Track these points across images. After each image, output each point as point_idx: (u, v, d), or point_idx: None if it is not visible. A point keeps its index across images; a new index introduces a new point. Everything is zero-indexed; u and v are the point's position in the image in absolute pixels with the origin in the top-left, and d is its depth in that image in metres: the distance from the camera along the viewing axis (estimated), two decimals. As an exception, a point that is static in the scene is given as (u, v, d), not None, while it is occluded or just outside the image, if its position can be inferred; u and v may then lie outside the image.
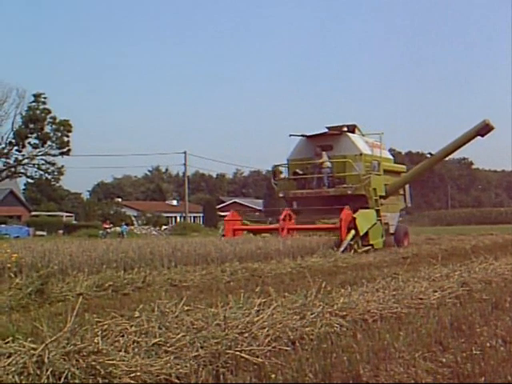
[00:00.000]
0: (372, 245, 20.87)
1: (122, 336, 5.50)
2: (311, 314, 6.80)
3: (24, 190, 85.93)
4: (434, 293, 8.92)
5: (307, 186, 23.80)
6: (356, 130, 24.60)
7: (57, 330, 5.56)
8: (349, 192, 22.43)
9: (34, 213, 74.39)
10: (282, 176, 24.97)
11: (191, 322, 6.04)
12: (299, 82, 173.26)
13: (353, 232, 19.98)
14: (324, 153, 23.26)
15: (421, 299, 8.45)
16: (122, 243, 15.92)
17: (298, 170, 23.94)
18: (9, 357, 4.69)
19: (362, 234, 20.28)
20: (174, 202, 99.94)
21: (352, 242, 19.74)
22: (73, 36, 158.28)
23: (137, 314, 6.32)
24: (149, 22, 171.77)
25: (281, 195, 24.27)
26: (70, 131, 65.79)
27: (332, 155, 23.35)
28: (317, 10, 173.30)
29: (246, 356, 5.37)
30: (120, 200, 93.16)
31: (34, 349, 4.70)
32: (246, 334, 5.77)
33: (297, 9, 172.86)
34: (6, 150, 63.61)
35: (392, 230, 24.51)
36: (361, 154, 22.79)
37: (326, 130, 24.03)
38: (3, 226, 52.93)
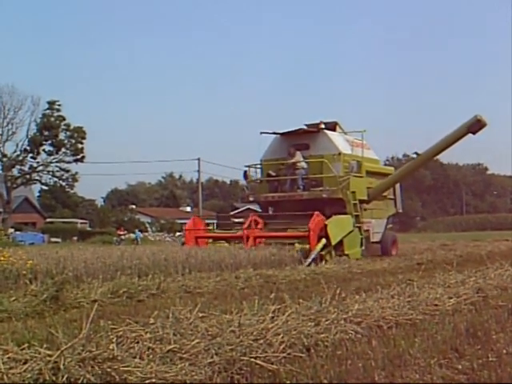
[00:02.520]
0: (347, 255, 18.61)
1: (137, 343, 5.50)
2: (326, 321, 6.77)
3: (39, 196, 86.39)
4: (449, 299, 8.86)
5: (280, 188, 21.92)
6: (337, 128, 22.92)
7: (72, 336, 5.57)
8: (324, 195, 20.57)
9: (48, 220, 74.76)
10: (254, 178, 23.10)
11: (206, 329, 6.03)
12: (303, 83, 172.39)
13: (323, 241, 17.95)
14: (298, 152, 21.40)
15: (436, 305, 8.40)
16: (137, 250, 15.95)
17: (270, 172, 22.06)
18: (25, 363, 4.70)
19: (334, 243, 18.24)
20: (188, 209, 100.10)
21: (323, 253, 17.74)
22: (86, 43, 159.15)
23: (151, 320, 6.33)
24: (166, 30, 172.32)
25: (251, 199, 22.87)
26: (84, 138, 66.18)
27: (308, 155, 21.50)
28: (305, 12, 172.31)
29: (261, 363, 5.35)
30: (134, 207, 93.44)
31: (50, 355, 4.71)
32: (261, 341, 5.75)
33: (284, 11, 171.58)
34: (20, 158, 64.02)
35: (377, 238, 22.86)
36: (339, 154, 20.97)
37: (300, 127, 22.15)
38: (18, 232, 53.17)
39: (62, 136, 65.66)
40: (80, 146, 66.02)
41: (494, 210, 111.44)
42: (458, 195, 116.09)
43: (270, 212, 22.17)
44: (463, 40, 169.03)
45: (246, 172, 22.86)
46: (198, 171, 71.61)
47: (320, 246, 17.70)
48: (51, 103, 65.75)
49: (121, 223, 67.67)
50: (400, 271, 14.66)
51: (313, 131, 21.84)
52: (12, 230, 52.21)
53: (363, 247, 20.48)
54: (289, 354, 5.71)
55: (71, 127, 65.99)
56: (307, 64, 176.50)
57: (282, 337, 5.96)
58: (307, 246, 17.88)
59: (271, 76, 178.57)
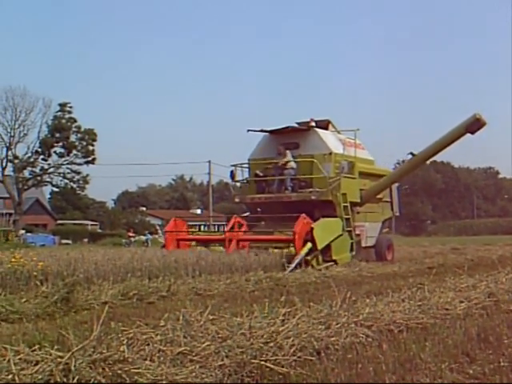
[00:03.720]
0: (335, 261, 17.74)
1: (148, 345, 5.51)
2: (336, 324, 6.75)
3: (50, 198, 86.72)
4: (460, 303, 8.83)
5: (267, 189, 20.71)
6: (330, 126, 21.72)
7: (83, 338, 5.58)
8: (313, 197, 19.42)
9: (59, 221, 75.04)
10: (241, 178, 21.80)
11: (216, 331, 6.03)
12: (303, 83, 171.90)
13: (309, 245, 16.91)
14: (288, 152, 20.25)
15: (447, 310, 8.37)
16: (147, 252, 15.97)
17: (258, 172, 20.88)
18: (36, 364, 4.71)
19: (320, 247, 17.22)
20: (198, 211, 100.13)
21: (309, 258, 16.71)
22: (99, 45, 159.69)
23: (162, 322, 6.34)
24: (175, 31, 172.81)
25: (237, 200, 21.53)
26: (94, 140, 66.40)
27: (298, 154, 20.35)
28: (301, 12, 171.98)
29: (271, 366, 5.35)
30: (144, 209, 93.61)
31: (61, 357, 4.72)
32: (271, 344, 5.74)
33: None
34: (32, 159, 64.27)
35: (370, 243, 21.70)
36: (330, 154, 19.79)
37: (288, 125, 20.82)
38: (29, 234, 53.32)
39: (73, 138, 65.91)
40: (91, 148, 66.25)
41: (506, 214, 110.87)
42: (469, 199, 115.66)
43: (260, 214, 21.07)
44: (463, 40, 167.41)
45: (232, 172, 21.67)
46: (209, 174, 71.66)
47: (305, 250, 16.68)
48: (62, 105, 66.00)
49: (131, 225, 67.77)
50: (411, 275, 14.61)
51: (303, 129, 20.82)
52: (23, 232, 52.37)
53: (354, 252, 19.39)
54: (299, 357, 5.71)
55: (82, 129, 66.23)
56: (307, 64, 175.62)
57: (293, 340, 5.96)
58: (285, 251, 17.11)
59: (272, 76, 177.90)
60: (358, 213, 21.01)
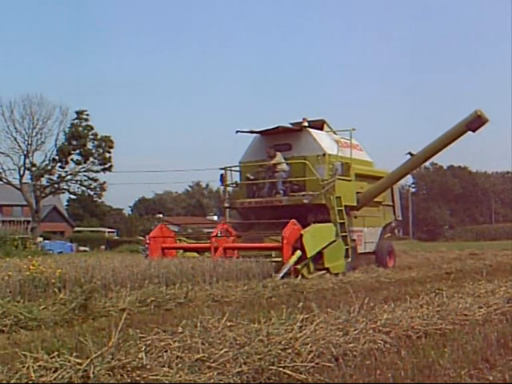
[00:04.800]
0: (328, 269, 16.72)
1: (166, 351, 5.52)
2: (354, 330, 6.73)
3: (67, 206, 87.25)
4: (479, 309, 8.77)
5: (257, 193, 19.58)
6: (325, 127, 20.62)
7: (101, 345, 5.60)
8: (305, 201, 18.30)
9: (76, 228, 75.41)
10: (230, 182, 20.67)
11: (234, 338, 6.03)
12: (303, 82, 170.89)
13: (298, 253, 15.91)
14: (279, 153, 19.19)
15: (466, 315, 8.31)
16: (164, 258, 15.98)
17: (248, 175, 19.70)
18: (55, 371, 4.74)
19: (309, 255, 16.21)
20: (215, 218, 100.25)
21: (299, 266, 15.74)
22: (112, 52, 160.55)
23: (180, 329, 6.35)
24: (185, 36, 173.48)
25: (226, 205, 20.57)
26: (111, 147, 66.58)
27: (290, 156, 19.28)
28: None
29: (289, 372, 5.34)
30: (161, 215, 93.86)
31: (80, 364, 4.75)
32: (289, 350, 5.73)
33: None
34: (49, 167, 64.61)
35: (370, 249, 20.71)
36: (324, 155, 18.72)
37: (278, 125, 19.58)
38: (47, 241, 53.57)
39: (89, 145, 66.13)
40: (108, 155, 66.45)
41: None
42: (486, 204, 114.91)
43: (253, 220, 19.84)
44: (462, 39, 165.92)
45: (222, 175, 20.49)
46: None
47: (294, 259, 15.69)
48: (79, 113, 66.29)
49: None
50: (428, 280, 14.52)
51: (295, 130, 19.70)
52: (41, 239, 52.66)
53: (349, 259, 18.17)
54: (317, 363, 5.69)
55: (99, 136, 66.50)
56: (306, 63, 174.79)
57: (311, 346, 5.95)
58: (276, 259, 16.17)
59: (272, 76, 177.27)
60: (356, 217, 20.09)
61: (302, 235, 16.30)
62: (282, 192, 18.92)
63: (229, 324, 6.75)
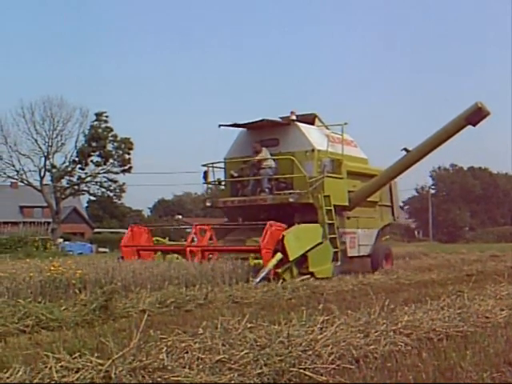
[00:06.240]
0: (312, 273, 15.35)
1: (187, 353, 5.53)
2: (375, 332, 6.71)
3: (87, 207, 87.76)
4: (501, 311, 8.71)
5: (241, 191, 18.34)
6: (317, 121, 19.29)
7: (121, 345, 5.63)
8: (291, 200, 16.94)
9: (96, 230, 75.79)
10: (212, 180, 19.30)
11: (254, 339, 6.04)
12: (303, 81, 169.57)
13: (279, 256, 14.72)
14: (264, 149, 17.94)
15: (487, 318, 8.26)
16: (183, 260, 16.00)
17: (232, 172, 18.48)
18: (77, 372, 4.77)
19: (292, 258, 14.93)
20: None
21: (280, 270, 14.65)
22: (129, 54, 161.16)
23: (200, 330, 6.36)
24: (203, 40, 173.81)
25: (208, 204, 19.31)
26: (131, 149, 66.99)
27: (278, 152, 17.98)
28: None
29: (310, 374, 5.33)
30: (181, 217, 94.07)
31: (101, 364, 4.77)
32: (310, 352, 5.73)
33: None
34: (69, 169, 65.13)
35: (364, 252, 19.35)
36: (313, 150, 17.47)
37: (262, 118, 18.18)
38: (67, 242, 53.97)
39: (109, 147, 66.61)
40: (127, 156, 66.89)
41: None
42: (508, 205, 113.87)
43: (240, 220, 18.43)
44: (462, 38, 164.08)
45: (205, 172, 19.06)
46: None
47: (273, 262, 14.52)
48: (99, 115, 66.74)
49: (167, 233, 68.10)
50: (449, 282, 14.41)
51: (283, 124, 18.38)
52: (61, 240, 53.05)
53: (339, 263, 16.91)
54: (338, 365, 5.69)
55: (118, 138, 66.89)
56: (307, 63, 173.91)
57: (331, 348, 5.94)
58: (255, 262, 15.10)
59: (272, 76, 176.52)
60: (349, 218, 18.80)
61: (283, 236, 15.07)
62: (267, 190, 17.68)
63: (249, 325, 6.75)
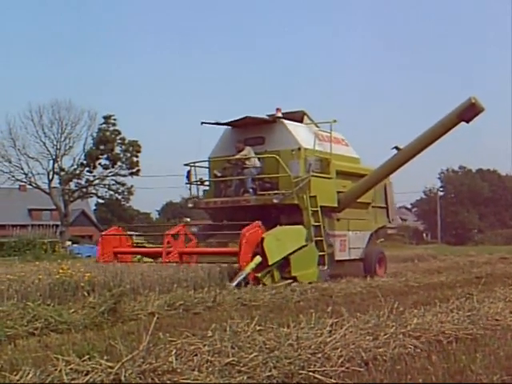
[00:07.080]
0: (295, 277, 14.67)
1: (196, 355, 5.53)
2: (384, 335, 6.69)
3: (95, 210, 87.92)
4: (510, 314, 8.68)
5: (224, 192, 17.68)
6: (305, 119, 18.49)
7: (131, 348, 5.63)
8: (275, 201, 16.28)
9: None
10: (195, 180, 18.52)
11: (263, 342, 6.03)
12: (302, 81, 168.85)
13: (258, 259, 14.12)
14: (248, 147, 17.30)
15: (497, 320, 8.23)
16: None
17: (216, 172, 17.72)
18: (86, 374, 4.78)
19: (271, 262, 14.32)
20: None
21: (260, 274, 14.04)
22: (136, 57, 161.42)
23: (209, 333, 6.36)
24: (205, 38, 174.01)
25: (190, 205, 18.86)
26: (139, 151, 67.10)
27: (264, 150, 17.28)
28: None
29: (319, 376, 5.33)
30: (189, 220, 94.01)
31: (111, 367, 4.78)
32: (319, 355, 5.73)
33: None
34: (77, 171, 65.24)
35: (355, 255, 18.66)
36: (299, 149, 16.72)
37: (246, 116, 17.49)
38: (75, 245, 54.07)
39: (117, 150, 66.69)
40: (135, 159, 66.99)
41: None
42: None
43: (224, 221, 17.78)
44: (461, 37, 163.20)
45: (189, 172, 18.29)
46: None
47: (251, 265, 13.89)
48: (107, 118, 66.88)
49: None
50: (458, 285, 14.37)
51: (268, 121, 17.60)
52: (69, 243, 53.15)
53: (325, 267, 16.21)
54: (347, 368, 5.67)
55: (126, 141, 67.03)
56: (306, 63, 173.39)
57: (340, 351, 5.93)
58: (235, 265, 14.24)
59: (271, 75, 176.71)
60: (339, 220, 18.07)
61: (263, 239, 14.47)
62: (251, 191, 17.00)
63: (258, 328, 6.75)
